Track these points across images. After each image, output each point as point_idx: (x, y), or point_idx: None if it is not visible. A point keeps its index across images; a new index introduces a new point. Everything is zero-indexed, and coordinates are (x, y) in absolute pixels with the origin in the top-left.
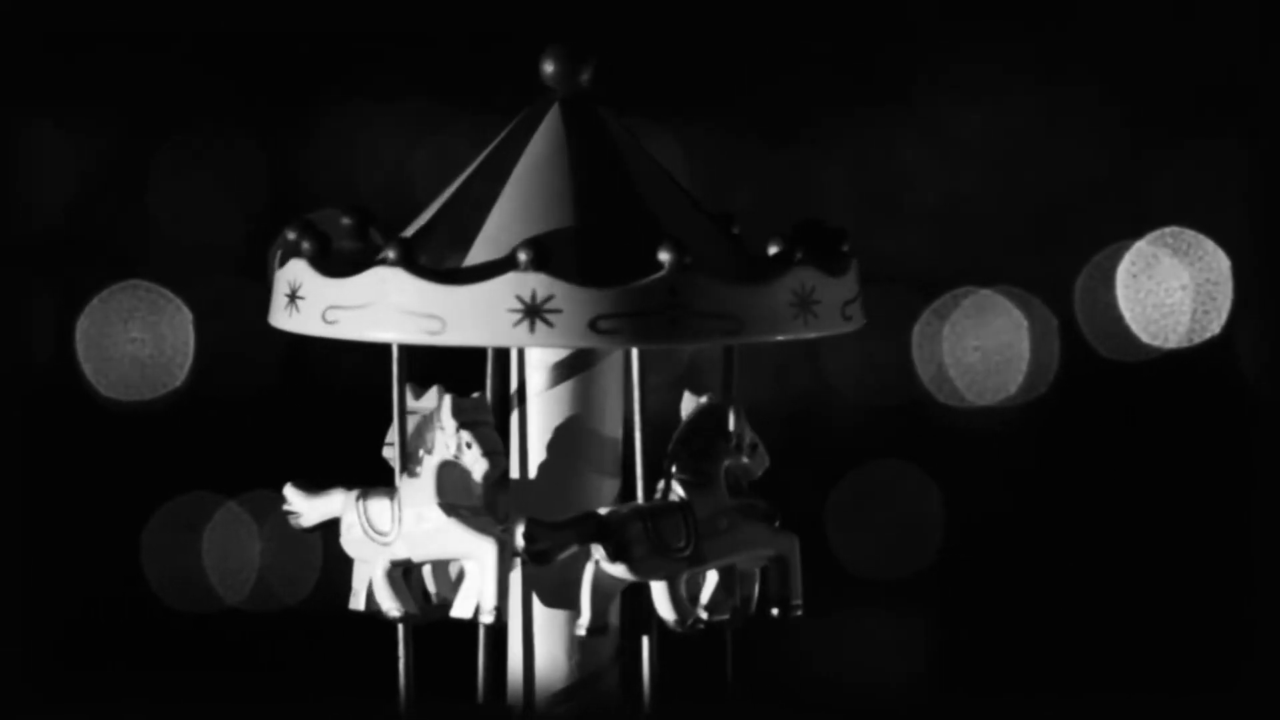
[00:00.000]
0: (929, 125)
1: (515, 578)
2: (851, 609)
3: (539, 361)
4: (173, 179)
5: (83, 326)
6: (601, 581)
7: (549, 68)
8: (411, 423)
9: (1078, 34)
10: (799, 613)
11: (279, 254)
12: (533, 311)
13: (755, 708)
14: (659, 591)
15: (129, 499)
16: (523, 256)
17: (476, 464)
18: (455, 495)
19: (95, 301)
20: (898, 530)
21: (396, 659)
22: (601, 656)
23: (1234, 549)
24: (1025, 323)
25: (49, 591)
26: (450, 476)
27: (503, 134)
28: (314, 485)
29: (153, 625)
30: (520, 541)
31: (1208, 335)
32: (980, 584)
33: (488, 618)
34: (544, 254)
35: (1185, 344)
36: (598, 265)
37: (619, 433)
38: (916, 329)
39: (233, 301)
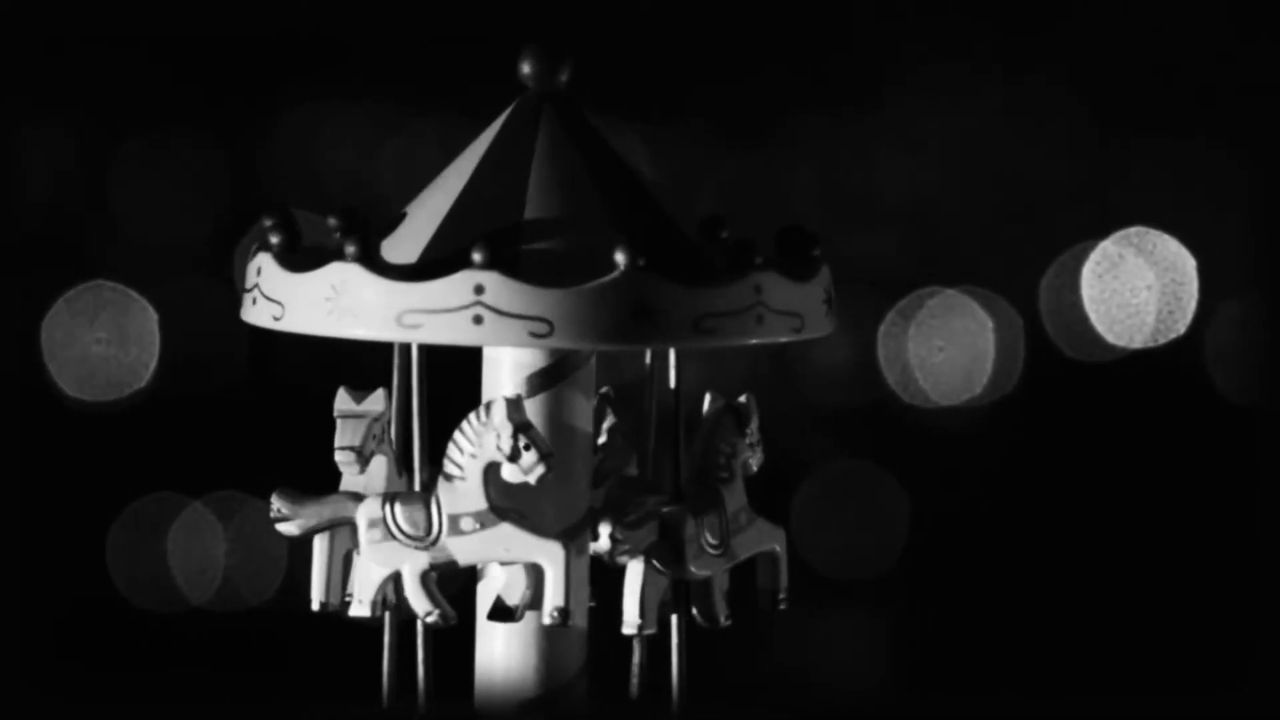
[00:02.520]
0: (894, 126)
1: (494, 575)
2: (817, 609)
3: (514, 369)
4: (137, 179)
5: (48, 327)
6: (651, 582)
7: (531, 67)
8: (361, 426)
9: (1043, 34)
10: (784, 605)
11: (309, 256)
12: (643, 312)
13: (719, 707)
14: (704, 589)
15: (94, 499)
16: (623, 258)
17: (535, 468)
18: (500, 497)
19: (60, 302)
20: (863, 530)
21: (416, 662)
22: (572, 660)
23: (1200, 547)
24: (990, 323)
25: (13, 591)
26: (495, 479)
27: (494, 133)
28: (302, 491)
29: (118, 625)
30: (607, 544)
31: (1173, 335)
32: (946, 584)
33: (552, 620)
34: (647, 256)
35: (1150, 344)
36: (688, 266)
37: (590, 438)
38: (881, 329)
39: (198, 301)
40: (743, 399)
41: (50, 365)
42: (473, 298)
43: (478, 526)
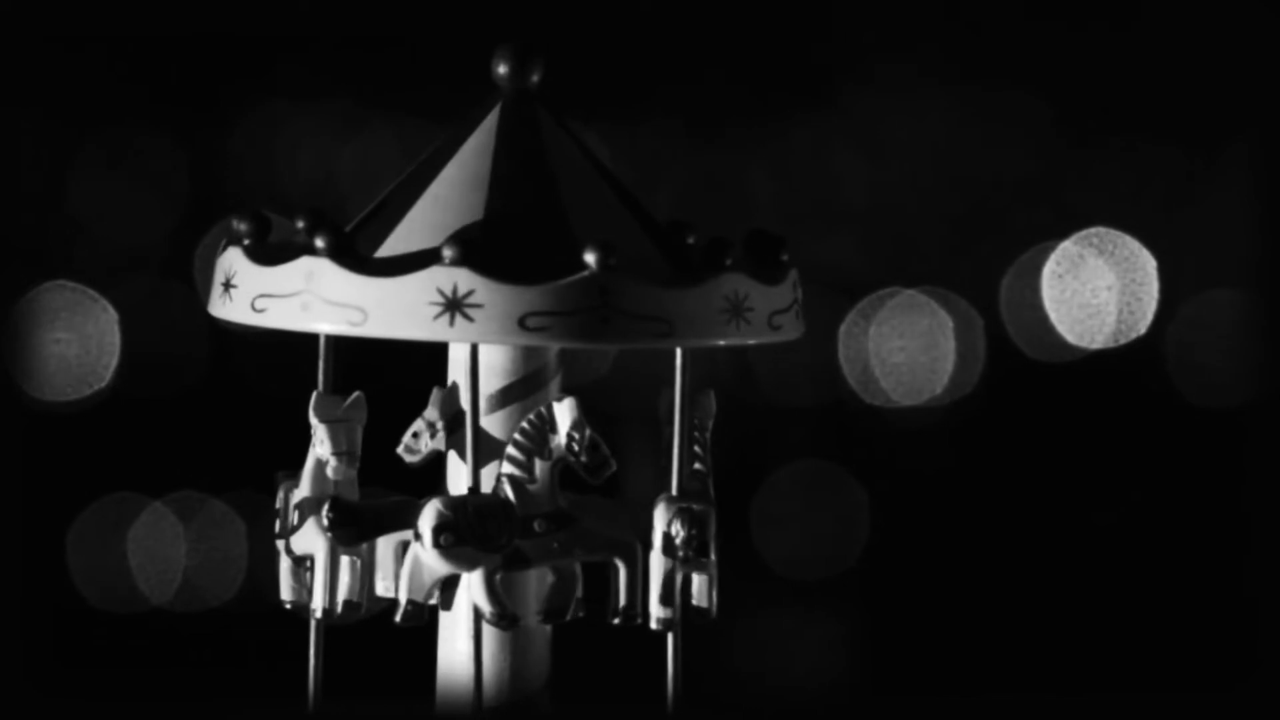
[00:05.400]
0: (855, 127)
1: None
2: (776, 609)
3: (484, 372)
4: (96, 179)
5: (8, 327)
6: (676, 577)
7: (506, 66)
8: (353, 430)
9: (1003, 35)
10: None
11: (375, 260)
12: (739, 310)
13: (679, 707)
14: (706, 584)
15: (55, 499)
16: (729, 260)
17: (604, 465)
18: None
19: (21, 302)
20: (823, 530)
21: (474, 658)
22: (537, 663)
23: (1161, 546)
24: (950, 323)
25: None
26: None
27: (492, 133)
28: (360, 495)
29: (77, 625)
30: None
31: (1133, 335)
32: (906, 583)
33: (619, 619)
34: (736, 255)
35: (1111, 344)
36: (761, 266)
37: None
38: (842, 330)
39: (158, 301)
40: (704, 395)
41: (10, 366)
42: (599, 300)
43: (551, 527)
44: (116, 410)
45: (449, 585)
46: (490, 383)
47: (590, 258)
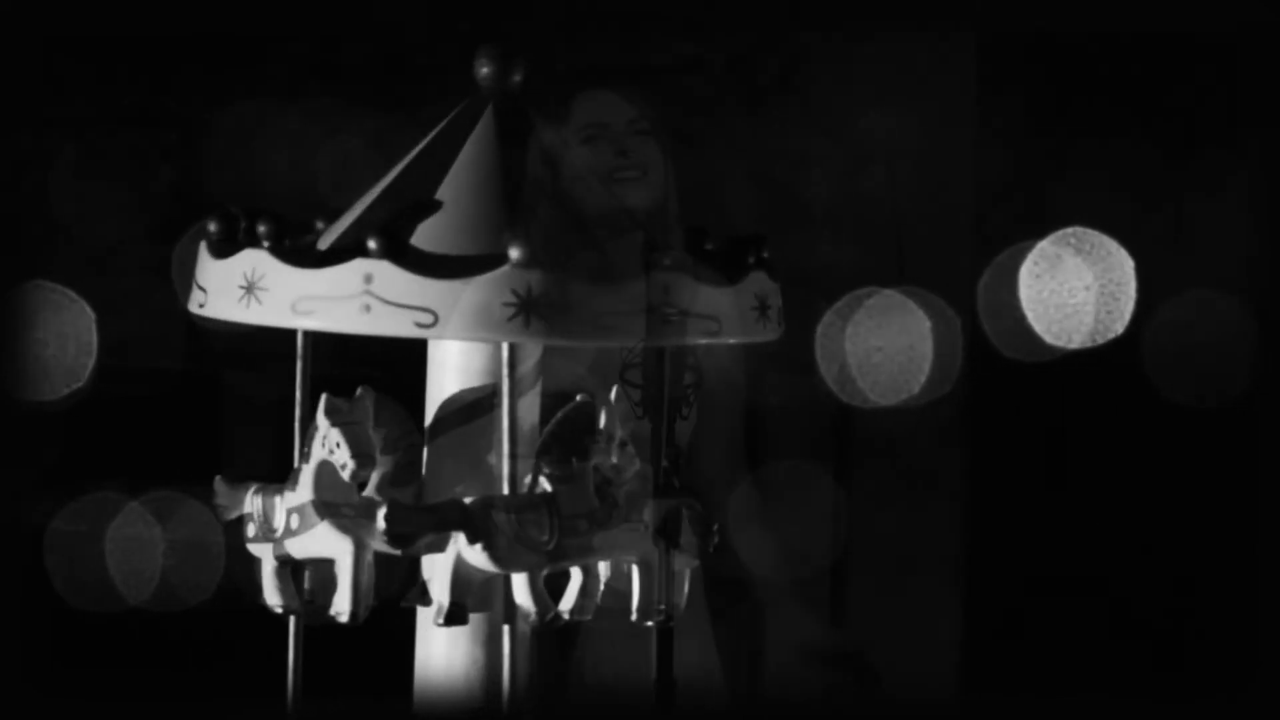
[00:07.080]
0: (832, 125)
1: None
2: (751, 609)
3: (460, 373)
4: (75, 178)
5: None
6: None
7: (489, 68)
8: (365, 431)
9: (980, 33)
10: None
11: (515, 263)
12: (763, 308)
13: (654, 706)
14: (681, 579)
15: (32, 499)
16: (753, 259)
17: (630, 465)
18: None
19: None
20: (799, 531)
21: (507, 658)
22: (520, 663)
23: (1138, 545)
24: (928, 323)
25: None
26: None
27: (490, 133)
28: (412, 505)
29: (55, 624)
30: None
31: (1111, 335)
32: (883, 584)
33: (641, 616)
34: (765, 259)
35: (1088, 344)
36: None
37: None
38: (819, 329)
39: (137, 301)
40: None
41: None
42: (663, 299)
43: (592, 527)
44: (94, 409)
45: (488, 586)
46: (477, 386)
47: (656, 257)
